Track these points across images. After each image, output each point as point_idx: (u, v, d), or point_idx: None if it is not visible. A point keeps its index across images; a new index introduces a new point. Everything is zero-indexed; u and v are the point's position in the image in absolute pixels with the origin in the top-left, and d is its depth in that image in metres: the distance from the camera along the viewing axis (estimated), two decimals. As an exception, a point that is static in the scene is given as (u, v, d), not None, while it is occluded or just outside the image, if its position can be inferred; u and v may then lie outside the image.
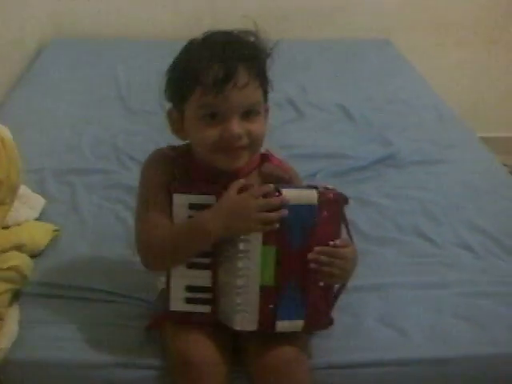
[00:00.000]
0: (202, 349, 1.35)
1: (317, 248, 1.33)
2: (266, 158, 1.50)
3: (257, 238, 1.32)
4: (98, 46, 3.23)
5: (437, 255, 1.82)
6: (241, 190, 1.33)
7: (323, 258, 1.33)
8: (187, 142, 1.48)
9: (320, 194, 1.34)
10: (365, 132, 2.52)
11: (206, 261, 1.36)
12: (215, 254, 1.36)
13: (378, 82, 2.98)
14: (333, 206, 1.36)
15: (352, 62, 3.19)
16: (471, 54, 3.59)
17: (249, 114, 1.37)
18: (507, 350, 1.53)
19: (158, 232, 1.37)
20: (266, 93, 1.43)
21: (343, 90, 2.88)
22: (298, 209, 1.32)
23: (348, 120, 2.62)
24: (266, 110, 1.46)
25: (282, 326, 1.37)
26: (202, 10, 3.39)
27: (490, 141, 2.85)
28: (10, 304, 1.55)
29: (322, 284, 1.36)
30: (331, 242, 1.34)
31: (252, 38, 1.40)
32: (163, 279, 1.44)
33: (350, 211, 1.89)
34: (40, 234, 1.78)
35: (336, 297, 1.42)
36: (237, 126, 1.34)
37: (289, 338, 1.38)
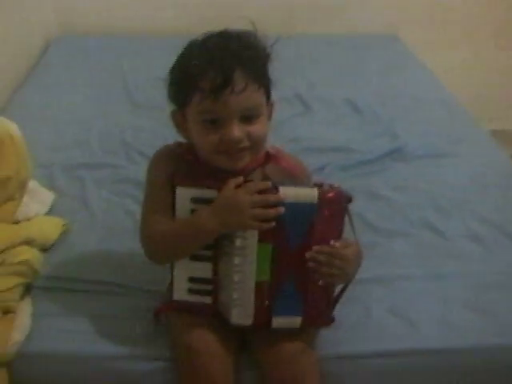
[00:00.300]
0: (208, 339, 1.37)
1: (315, 247, 1.33)
2: (271, 158, 1.47)
3: (253, 235, 1.32)
4: (104, 42, 3.24)
5: (445, 247, 1.82)
6: (239, 187, 1.32)
7: (321, 257, 1.32)
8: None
9: (320, 193, 1.32)
10: (373, 126, 2.52)
11: (208, 253, 1.37)
12: (216, 247, 1.37)
13: (386, 76, 2.98)
14: (334, 205, 1.34)
15: (360, 57, 3.19)
16: (479, 48, 3.59)
17: (249, 116, 1.36)
18: (516, 341, 1.53)
19: (160, 227, 1.38)
20: (268, 92, 1.41)
21: (351, 84, 2.88)
22: (296, 207, 1.31)
23: (356, 114, 2.62)
24: (271, 106, 1.44)
25: (278, 322, 1.38)
26: (207, 5, 3.39)
27: (498, 134, 2.85)
28: (22, 298, 1.56)
29: (321, 283, 1.36)
30: (331, 242, 1.33)
31: (251, 39, 1.38)
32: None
33: (359, 204, 1.90)
34: (50, 229, 1.79)
35: (338, 296, 1.42)
36: (236, 130, 1.34)
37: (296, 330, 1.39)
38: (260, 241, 1.32)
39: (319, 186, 1.35)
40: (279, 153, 1.51)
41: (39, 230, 1.75)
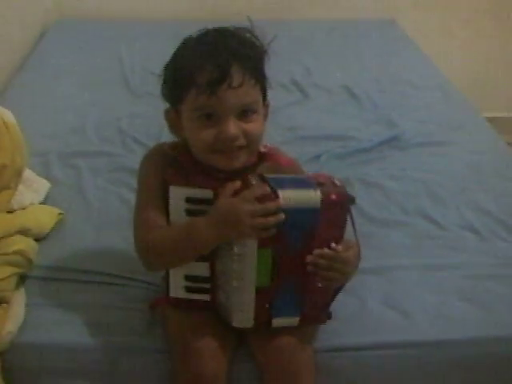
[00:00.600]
0: (203, 335, 1.36)
1: (316, 251, 1.29)
2: (265, 156, 1.44)
3: (252, 242, 1.28)
4: (102, 27, 3.22)
5: (441, 237, 1.82)
6: (236, 193, 1.28)
7: (322, 261, 1.29)
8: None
9: (323, 197, 1.28)
10: (370, 113, 2.51)
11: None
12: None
13: (384, 62, 2.97)
14: (337, 207, 1.30)
15: (357, 43, 3.18)
16: (477, 34, 3.57)
17: (245, 113, 1.33)
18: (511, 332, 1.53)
19: (155, 235, 1.34)
20: (264, 90, 1.39)
21: (348, 70, 2.87)
22: (298, 212, 1.27)
23: (353, 101, 2.61)
24: (266, 107, 1.43)
25: (278, 322, 1.37)
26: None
27: (496, 121, 2.84)
28: (16, 288, 1.55)
29: (320, 285, 1.34)
30: (333, 245, 1.30)
31: (248, 35, 1.36)
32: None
33: (355, 193, 1.89)
34: (45, 218, 1.79)
35: (335, 294, 1.40)
36: (233, 127, 1.31)
37: None
38: (260, 246, 1.28)
39: (321, 184, 1.30)
40: (273, 150, 1.49)
41: (34, 219, 1.75)
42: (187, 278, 1.38)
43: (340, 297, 1.42)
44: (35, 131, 2.13)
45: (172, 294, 1.40)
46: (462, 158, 2.23)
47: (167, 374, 1.43)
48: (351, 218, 1.34)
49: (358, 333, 1.49)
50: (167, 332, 1.44)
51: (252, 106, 1.34)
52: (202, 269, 1.36)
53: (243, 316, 1.35)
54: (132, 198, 1.89)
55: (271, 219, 1.25)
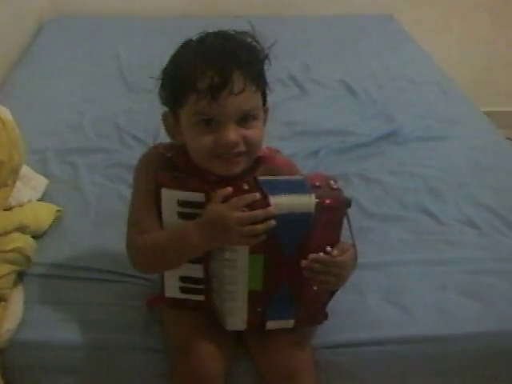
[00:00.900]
0: (201, 334, 1.35)
1: (311, 256, 1.27)
2: (263, 160, 1.42)
3: (244, 248, 1.26)
4: (99, 24, 3.21)
5: (441, 232, 1.81)
6: (227, 199, 1.25)
7: (317, 266, 1.27)
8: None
9: (318, 202, 1.25)
10: (368, 108, 2.51)
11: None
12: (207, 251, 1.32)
13: (382, 58, 2.96)
14: (332, 212, 1.28)
15: (355, 39, 3.17)
16: (475, 29, 3.57)
17: (246, 119, 1.31)
18: (511, 327, 1.53)
19: (145, 238, 1.33)
20: (264, 95, 1.38)
21: (346, 66, 2.86)
22: (291, 217, 1.25)
23: (351, 96, 2.60)
24: (266, 112, 1.41)
25: (272, 325, 1.36)
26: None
27: (495, 115, 2.84)
28: (15, 285, 1.55)
29: (315, 288, 1.32)
30: (328, 249, 1.28)
31: (249, 40, 1.34)
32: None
33: (354, 188, 1.90)
34: (43, 215, 1.78)
35: (331, 295, 1.39)
36: (233, 133, 1.29)
37: None
38: (251, 252, 1.27)
39: (316, 187, 1.28)
40: (272, 152, 1.47)
41: (32, 216, 1.74)
42: (182, 279, 1.37)
43: (339, 292, 1.41)
44: (32, 128, 2.12)
45: (167, 294, 1.40)
46: (460, 153, 2.22)
47: (165, 373, 1.42)
48: (348, 220, 1.32)
49: (358, 328, 1.49)
50: (165, 330, 1.44)
51: (252, 112, 1.32)
52: (196, 270, 1.35)
53: (236, 320, 1.35)
54: (129, 194, 1.88)
55: (260, 226, 1.23)
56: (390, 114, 2.44)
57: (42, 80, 2.65)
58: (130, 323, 1.48)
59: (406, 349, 1.48)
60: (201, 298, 1.38)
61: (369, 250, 1.63)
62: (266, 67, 1.36)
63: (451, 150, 2.25)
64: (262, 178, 1.32)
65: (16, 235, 1.63)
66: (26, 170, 1.86)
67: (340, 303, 1.45)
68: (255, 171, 1.39)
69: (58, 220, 1.81)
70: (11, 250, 1.57)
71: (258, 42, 1.35)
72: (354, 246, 1.34)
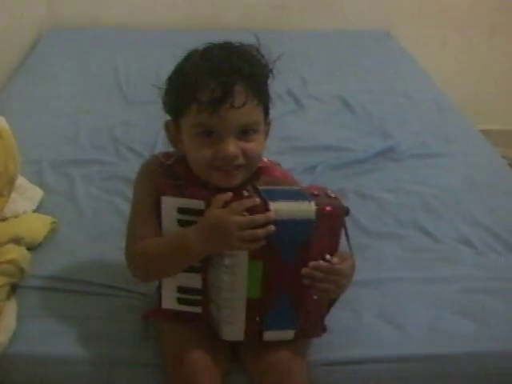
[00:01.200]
0: (197, 347, 1.35)
1: (312, 263, 1.28)
2: (262, 170, 1.43)
3: (243, 254, 1.26)
4: (97, 35, 3.21)
5: (436, 250, 1.81)
6: (227, 204, 1.26)
7: (318, 273, 1.28)
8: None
9: (318, 209, 1.26)
10: (365, 124, 2.51)
11: (197, 264, 1.33)
12: (206, 258, 1.32)
13: (378, 74, 2.97)
14: (332, 219, 1.29)
15: (352, 54, 3.18)
16: (471, 46, 3.58)
17: (246, 132, 1.32)
18: (506, 347, 1.52)
19: (145, 244, 1.34)
20: (266, 108, 1.38)
21: (343, 82, 2.87)
22: (291, 223, 1.25)
23: (348, 112, 2.61)
24: (268, 125, 1.41)
25: (270, 335, 1.35)
26: (202, 1, 3.37)
27: (491, 133, 2.85)
28: (8, 298, 1.54)
29: (315, 297, 1.32)
30: (328, 257, 1.28)
31: (253, 53, 1.35)
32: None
33: (350, 205, 1.87)
34: (38, 227, 1.77)
35: (330, 306, 1.39)
36: (232, 146, 1.30)
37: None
38: (251, 258, 1.27)
39: (315, 196, 1.29)
40: (272, 165, 1.48)
41: (27, 227, 1.73)
42: (180, 289, 1.37)
43: (334, 310, 1.41)
44: (28, 139, 2.12)
45: (164, 305, 1.39)
46: (457, 171, 2.23)
47: (159, 388, 1.41)
48: (345, 229, 1.33)
49: (353, 346, 1.48)
50: (160, 344, 1.43)
51: (253, 126, 1.33)
52: (194, 281, 1.35)
53: (233, 329, 1.34)
54: (125, 206, 1.89)
55: (260, 231, 1.23)
56: (387, 130, 2.44)
57: (39, 90, 2.65)
58: (124, 337, 1.47)
59: (401, 367, 1.47)
60: (198, 309, 1.37)
61: (364, 267, 1.62)
62: (269, 81, 1.37)
63: (447, 167, 2.25)
64: (261, 187, 1.33)
65: (11, 247, 1.63)
66: (21, 180, 1.86)
67: (335, 320, 1.44)
68: (255, 182, 1.39)
69: (53, 232, 1.80)
70: (5, 262, 1.56)
71: (262, 55, 1.35)
72: (351, 255, 1.35)
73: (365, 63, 3.09)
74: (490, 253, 1.81)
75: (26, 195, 1.86)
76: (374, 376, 1.46)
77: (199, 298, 1.36)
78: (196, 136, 1.32)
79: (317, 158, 2.21)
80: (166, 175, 1.39)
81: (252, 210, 1.24)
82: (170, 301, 1.38)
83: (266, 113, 1.39)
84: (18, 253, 1.61)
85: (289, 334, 1.36)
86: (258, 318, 1.33)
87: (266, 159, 1.47)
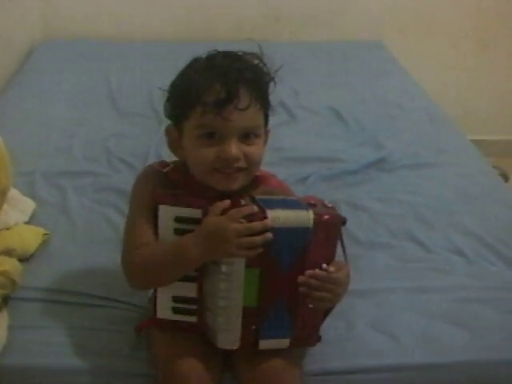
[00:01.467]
0: (189, 358, 1.34)
1: (308, 272, 1.28)
2: (260, 180, 1.45)
3: (240, 261, 1.27)
4: (90, 47, 3.21)
5: (428, 260, 1.82)
6: (225, 211, 1.27)
7: (314, 282, 1.29)
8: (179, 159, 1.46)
9: (316, 218, 1.27)
10: (357, 135, 2.52)
11: (193, 273, 1.33)
12: (202, 267, 1.32)
13: (370, 84, 2.98)
14: (329, 228, 1.30)
15: (344, 65, 3.19)
16: (463, 58, 3.59)
17: (248, 136, 1.35)
18: (499, 356, 1.52)
19: (142, 252, 1.34)
20: (266, 116, 1.41)
21: (335, 92, 2.87)
22: (288, 231, 1.27)
23: (340, 123, 2.61)
24: (267, 133, 1.44)
25: (265, 344, 1.36)
26: (195, 13, 3.38)
27: (481, 143, 2.86)
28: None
29: (311, 306, 1.32)
30: (324, 265, 1.29)
31: (256, 61, 1.38)
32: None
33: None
34: (30, 238, 1.77)
35: (325, 315, 1.39)
36: (234, 148, 1.32)
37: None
38: (247, 266, 1.27)
39: (312, 205, 1.30)
40: (269, 174, 1.50)
41: (19, 239, 1.73)
42: (175, 298, 1.36)
43: (327, 320, 1.41)
44: (21, 150, 2.12)
45: (159, 315, 1.38)
46: (448, 181, 2.23)
47: (152, 398, 1.41)
48: (341, 239, 1.34)
49: (346, 356, 1.48)
50: (153, 355, 1.43)
51: (255, 129, 1.36)
52: (189, 290, 1.35)
53: (229, 337, 1.34)
54: (118, 218, 1.90)
55: (257, 238, 1.25)
56: (379, 141, 2.45)
57: (32, 102, 2.65)
58: (116, 349, 1.47)
59: (394, 377, 1.47)
60: (193, 319, 1.37)
61: (356, 277, 1.60)
62: (270, 90, 1.40)
63: (439, 177, 2.26)
64: (259, 196, 1.34)
65: (2, 258, 1.62)
66: (13, 192, 1.85)
67: (328, 330, 1.44)
68: (253, 191, 1.40)
69: (45, 243, 1.80)
70: (-3, 274, 1.56)
71: (264, 64, 1.38)
72: (347, 264, 1.36)
73: (357, 74, 3.10)
74: (482, 262, 1.81)
75: (18, 207, 1.86)
76: (366, 386, 1.46)
77: (194, 307, 1.36)
78: (199, 138, 1.34)
79: (309, 169, 2.22)
80: (163, 184, 1.40)
81: (250, 218, 1.25)
82: (164, 310, 1.37)
83: (266, 120, 1.42)
84: (9, 264, 1.61)
85: (284, 343, 1.37)
86: (253, 327, 1.34)
87: (262, 170, 1.49)
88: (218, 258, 1.28)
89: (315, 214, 1.28)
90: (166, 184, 1.41)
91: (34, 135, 2.40)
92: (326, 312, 1.39)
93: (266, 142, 1.44)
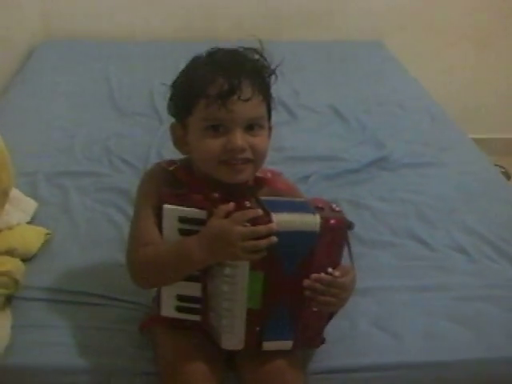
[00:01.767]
0: (193, 358, 1.34)
1: (314, 275, 1.28)
2: (265, 181, 1.46)
3: (244, 264, 1.26)
4: (90, 47, 3.21)
5: (431, 258, 1.82)
6: (229, 214, 1.26)
7: (319, 286, 1.28)
8: (187, 156, 1.47)
9: (322, 222, 1.26)
10: (358, 134, 2.52)
11: (197, 273, 1.32)
12: (206, 268, 1.31)
13: (371, 83, 2.98)
14: (335, 232, 1.29)
15: (345, 64, 3.19)
16: (462, 57, 3.60)
17: (252, 127, 1.36)
18: (502, 354, 1.53)
19: (147, 251, 1.34)
20: (269, 109, 1.42)
21: (336, 91, 2.87)
22: (294, 235, 1.26)
23: (341, 122, 2.61)
24: (270, 129, 1.45)
25: (269, 345, 1.35)
26: (195, 13, 3.38)
27: (483, 142, 2.86)
28: (2, 309, 1.53)
29: (315, 309, 1.32)
30: (330, 270, 1.28)
31: (256, 56, 1.40)
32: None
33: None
34: (32, 238, 1.77)
35: (329, 318, 1.39)
36: (240, 138, 1.33)
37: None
38: (251, 269, 1.27)
39: (320, 209, 1.29)
40: (275, 176, 1.50)
41: (21, 239, 1.73)
42: (179, 297, 1.36)
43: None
44: (22, 151, 2.12)
45: (163, 312, 1.38)
46: (450, 179, 2.23)
47: (156, 397, 1.41)
48: (348, 243, 1.33)
49: (349, 355, 1.48)
50: (156, 354, 1.43)
51: (259, 120, 1.37)
52: (194, 289, 1.34)
53: (233, 338, 1.34)
54: (119, 217, 1.91)
55: (262, 242, 1.24)
56: (380, 139, 2.44)
57: (33, 103, 2.64)
58: (120, 348, 1.47)
59: (396, 375, 1.47)
60: (197, 318, 1.36)
61: (359, 275, 1.60)
62: (271, 85, 1.42)
63: (441, 176, 2.26)
64: (264, 198, 1.33)
65: (5, 258, 1.62)
66: (15, 192, 1.85)
67: (330, 329, 1.43)
68: (258, 193, 1.41)
69: (47, 243, 1.80)
70: (0, 274, 1.55)
71: (264, 58, 1.40)
72: (353, 268, 1.35)
73: (357, 73, 3.10)
74: (484, 260, 1.81)
75: (20, 207, 1.86)
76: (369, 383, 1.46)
77: (198, 306, 1.36)
78: (204, 130, 1.35)
79: (310, 168, 2.22)
80: (169, 182, 1.41)
81: (254, 221, 1.24)
82: (169, 309, 1.37)
83: (269, 114, 1.43)
84: (12, 264, 1.61)
85: (287, 345, 1.36)
86: (257, 328, 1.33)
87: (267, 170, 1.50)
88: (221, 260, 1.28)
89: (322, 218, 1.27)
90: (172, 182, 1.42)
91: (35, 135, 2.39)
92: (331, 315, 1.39)
93: (269, 137, 1.44)
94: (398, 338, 1.53)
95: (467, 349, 1.52)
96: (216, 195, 1.32)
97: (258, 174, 1.46)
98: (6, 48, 2.94)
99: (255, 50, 1.40)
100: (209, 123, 1.35)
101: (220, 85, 1.32)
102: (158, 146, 2.29)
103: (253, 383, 1.37)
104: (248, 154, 1.35)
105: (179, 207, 1.31)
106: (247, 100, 1.33)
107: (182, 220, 1.31)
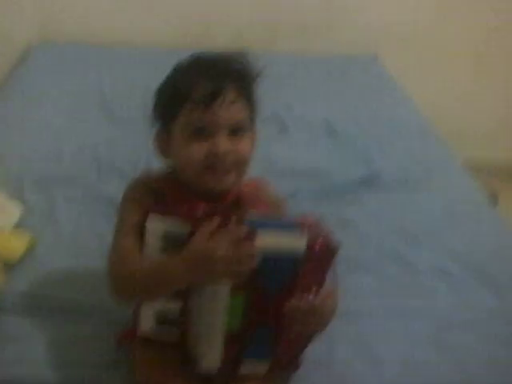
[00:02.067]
0: (171, 375, 1.34)
1: (292, 303, 1.26)
2: (242, 197, 1.44)
3: (225, 286, 1.25)
4: (84, 52, 3.19)
5: (413, 282, 1.81)
6: (213, 233, 1.23)
7: (298, 314, 1.27)
8: (167, 167, 1.47)
9: (308, 245, 1.23)
10: (348, 150, 2.50)
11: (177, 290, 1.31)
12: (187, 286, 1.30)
13: (364, 99, 2.96)
14: (321, 256, 1.26)
15: (339, 79, 3.18)
16: (457, 74, 3.60)
17: (236, 131, 1.37)
18: (481, 381, 1.52)
19: (129, 267, 1.32)
20: (253, 114, 1.43)
21: (328, 106, 2.86)
22: (278, 258, 1.23)
23: (332, 137, 2.60)
24: (254, 135, 1.45)
25: (246, 368, 1.35)
26: (191, 20, 3.37)
27: (474, 160, 2.87)
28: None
29: (295, 333, 1.31)
30: (310, 297, 1.26)
31: (240, 60, 1.40)
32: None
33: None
34: (15, 244, 1.76)
35: (308, 342, 1.38)
36: (224, 142, 1.34)
37: None
38: (233, 289, 1.26)
39: (307, 228, 1.26)
40: (259, 190, 1.50)
41: (4, 244, 1.72)
42: (158, 314, 1.35)
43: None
44: (10, 155, 2.11)
45: (142, 328, 1.37)
46: (437, 200, 2.23)
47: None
48: (333, 267, 1.31)
49: (325, 380, 1.47)
50: (134, 370, 1.42)
51: (243, 124, 1.38)
52: (173, 306, 1.33)
53: (210, 359, 1.33)
54: (105, 225, 1.87)
55: (244, 266, 1.22)
56: (370, 157, 2.44)
57: (24, 106, 2.63)
58: (98, 361, 1.46)
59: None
60: (175, 335, 1.35)
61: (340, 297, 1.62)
62: (255, 89, 1.43)
63: (428, 196, 2.26)
64: (251, 213, 1.31)
65: (-15, 264, 1.61)
66: (0, 197, 1.84)
67: (308, 352, 1.42)
68: (242, 211, 1.38)
69: (31, 250, 1.78)
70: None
71: (248, 61, 1.41)
72: (335, 292, 1.33)
73: (352, 88, 3.09)
74: (465, 286, 1.81)
75: (4, 212, 1.85)
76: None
77: (177, 324, 1.35)
78: (189, 135, 1.36)
79: (298, 184, 2.21)
80: (152, 193, 1.40)
81: (238, 242, 1.22)
82: (147, 325, 1.36)
83: (254, 119, 1.44)
84: (-9, 271, 1.61)
85: (264, 368, 1.36)
86: (236, 349, 1.32)
87: (254, 179, 1.51)
88: (203, 282, 1.27)
89: (308, 241, 1.24)
90: (154, 193, 1.41)
91: (25, 140, 2.37)
92: (310, 338, 1.37)
93: (254, 143, 1.44)
94: (377, 364, 1.52)
95: (446, 377, 1.52)
96: (200, 211, 1.30)
97: (243, 189, 1.45)
98: (1, 50, 2.92)
99: (240, 55, 1.41)
100: (193, 128, 1.35)
101: (204, 89, 1.33)
102: (149, 153, 2.27)
103: None
104: (231, 159, 1.36)
105: (162, 223, 1.28)
106: (232, 103, 1.34)
107: (166, 237, 1.29)
